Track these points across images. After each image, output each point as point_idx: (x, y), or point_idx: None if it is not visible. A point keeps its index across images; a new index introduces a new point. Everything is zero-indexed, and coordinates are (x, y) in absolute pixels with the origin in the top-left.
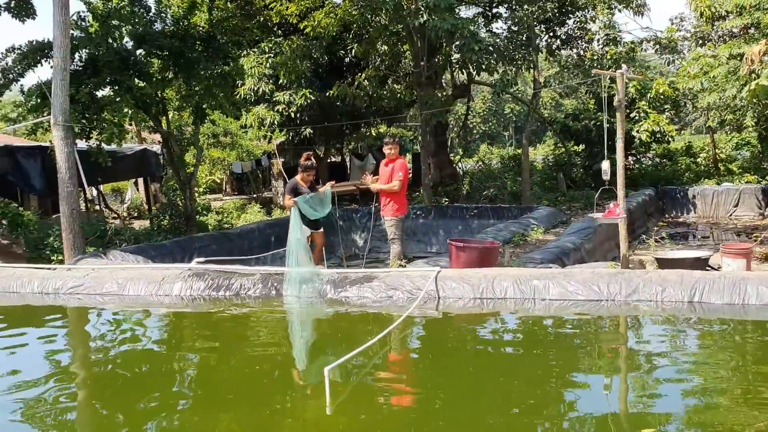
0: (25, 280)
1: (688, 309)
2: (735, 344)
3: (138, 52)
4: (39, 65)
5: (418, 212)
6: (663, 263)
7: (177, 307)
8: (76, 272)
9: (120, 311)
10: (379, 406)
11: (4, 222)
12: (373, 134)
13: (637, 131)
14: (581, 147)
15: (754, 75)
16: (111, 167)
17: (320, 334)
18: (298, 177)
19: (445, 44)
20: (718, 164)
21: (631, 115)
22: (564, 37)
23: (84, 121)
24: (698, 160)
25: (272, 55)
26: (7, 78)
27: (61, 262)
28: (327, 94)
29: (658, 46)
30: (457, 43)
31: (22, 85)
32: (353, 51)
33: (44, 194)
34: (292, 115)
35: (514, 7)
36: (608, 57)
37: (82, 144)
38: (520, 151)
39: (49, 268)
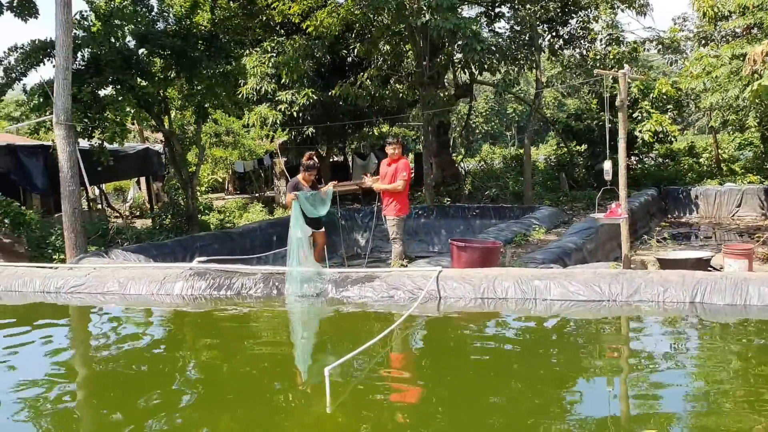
0: (27, 279)
1: (689, 310)
2: (736, 345)
3: (140, 51)
4: (41, 64)
5: (420, 212)
6: (665, 264)
7: (178, 307)
8: (77, 271)
9: (121, 310)
10: (379, 405)
11: (6, 221)
12: (376, 134)
13: (640, 131)
14: (583, 147)
15: (756, 75)
16: (113, 166)
17: (321, 333)
18: (299, 176)
19: (447, 44)
20: (721, 164)
21: (634, 115)
22: (566, 37)
23: (86, 120)
24: (701, 160)
25: (274, 55)
26: (9, 77)
27: (63, 261)
28: (329, 93)
29: (660, 46)
30: (460, 42)
31: (24, 85)
32: (355, 50)
33: (46, 193)
34: (295, 114)
35: (516, 6)
36: (611, 57)
37: (84, 143)
38: (522, 151)
39: (50, 267)
